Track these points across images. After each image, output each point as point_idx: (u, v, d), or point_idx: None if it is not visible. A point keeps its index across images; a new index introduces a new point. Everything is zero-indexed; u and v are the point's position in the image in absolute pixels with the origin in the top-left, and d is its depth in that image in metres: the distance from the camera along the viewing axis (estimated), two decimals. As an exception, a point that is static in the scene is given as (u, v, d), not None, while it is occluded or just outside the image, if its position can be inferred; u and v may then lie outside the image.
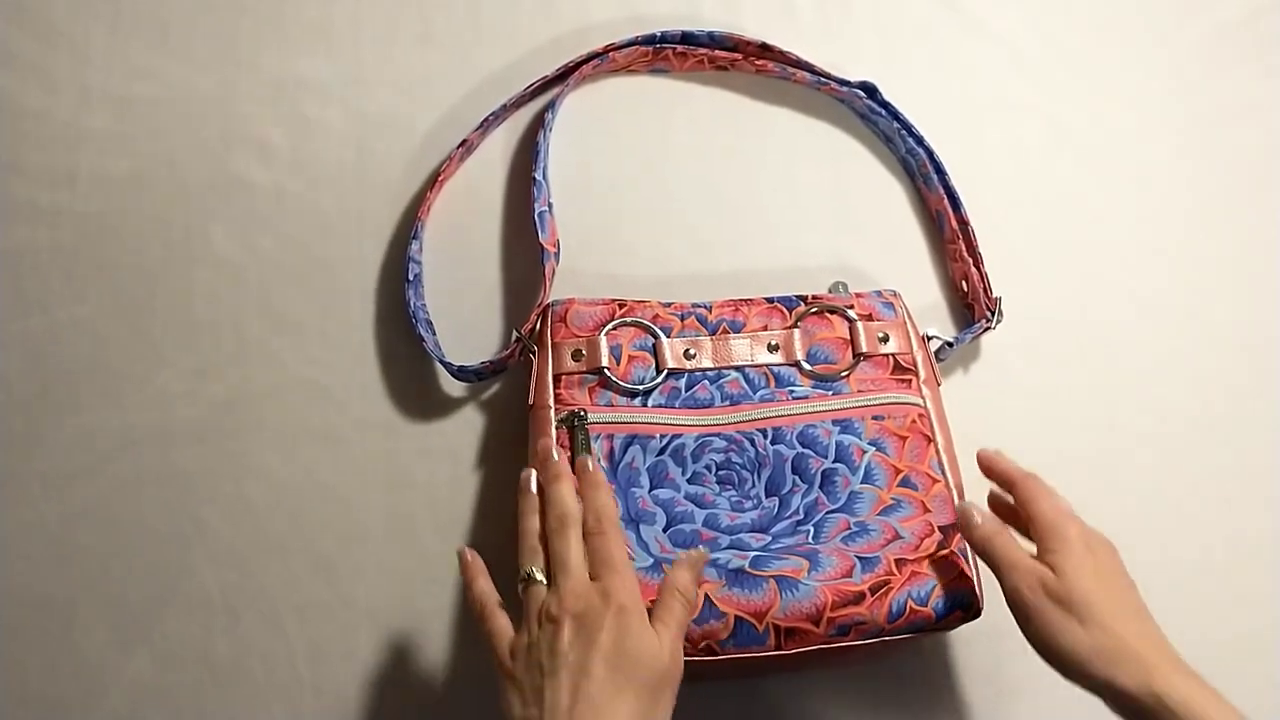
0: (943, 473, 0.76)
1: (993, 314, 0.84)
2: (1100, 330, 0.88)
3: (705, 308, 0.80)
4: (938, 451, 0.77)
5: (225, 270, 0.85)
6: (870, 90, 0.89)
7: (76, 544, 0.80)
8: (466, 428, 0.83)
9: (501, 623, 0.65)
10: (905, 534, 0.72)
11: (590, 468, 0.70)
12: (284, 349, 0.83)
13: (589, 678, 0.59)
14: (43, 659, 0.78)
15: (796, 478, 0.75)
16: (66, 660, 0.78)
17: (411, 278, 0.82)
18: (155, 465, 0.81)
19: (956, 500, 0.74)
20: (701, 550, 0.68)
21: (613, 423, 0.76)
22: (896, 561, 0.70)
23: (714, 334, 0.79)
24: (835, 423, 0.76)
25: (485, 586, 0.67)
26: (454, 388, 0.83)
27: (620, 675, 0.60)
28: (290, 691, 0.78)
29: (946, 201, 0.87)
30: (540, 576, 0.65)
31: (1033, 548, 0.68)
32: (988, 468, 0.74)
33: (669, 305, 0.79)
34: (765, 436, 0.76)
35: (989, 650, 0.80)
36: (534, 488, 0.70)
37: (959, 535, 0.73)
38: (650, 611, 0.63)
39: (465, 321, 0.84)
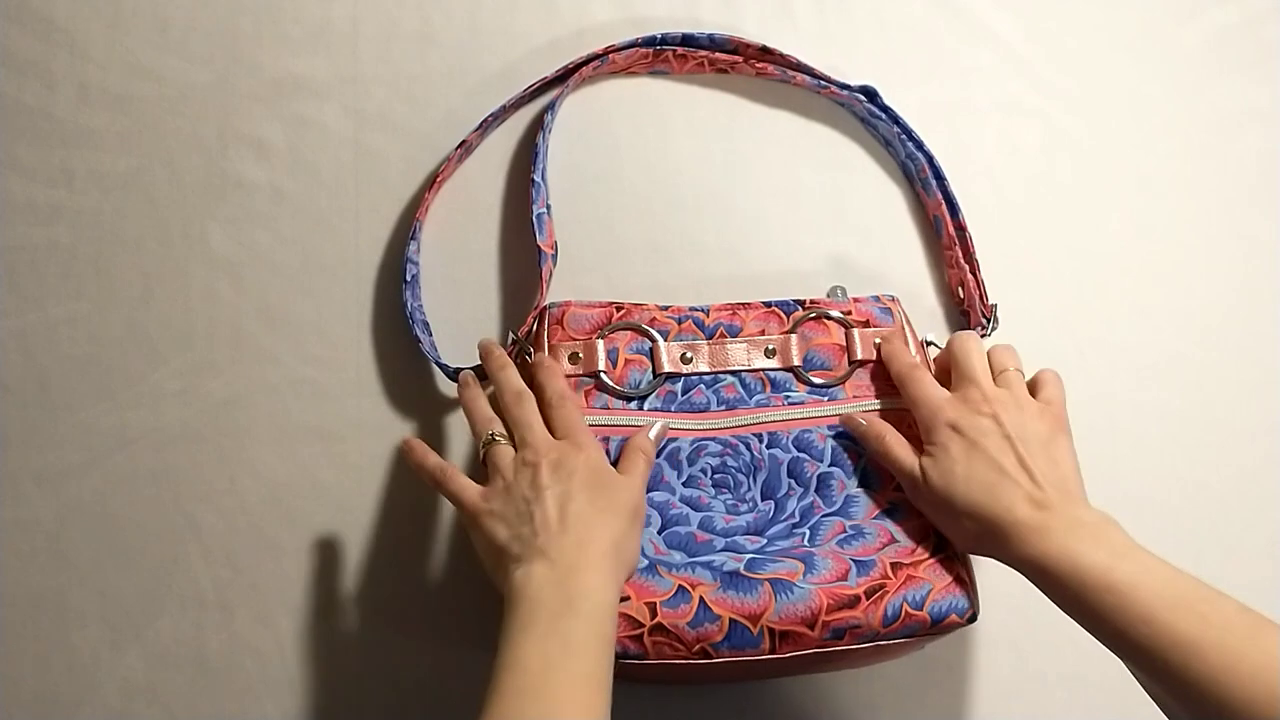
0: (939, 478, 0.76)
1: (989, 320, 0.84)
2: (1097, 337, 0.88)
3: (703, 311, 0.80)
4: (934, 456, 0.77)
5: (222, 269, 0.84)
6: (870, 94, 0.89)
7: (71, 541, 0.80)
8: (462, 428, 0.83)
9: (464, 480, 0.69)
10: (901, 538, 0.72)
11: (544, 363, 0.75)
12: (280, 348, 0.83)
13: (573, 499, 0.66)
14: (36, 655, 0.78)
15: (792, 481, 0.75)
16: (60, 657, 0.78)
17: (409, 278, 0.82)
18: (150, 463, 0.81)
19: (849, 414, 0.77)
20: (661, 424, 0.75)
21: (609, 425, 0.75)
22: (892, 565, 0.71)
23: (711, 338, 0.79)
24: (831, 427, 0.76)
25: (436, 459, 0.71)
26: (450, 388, 0.83)
27: (600, 500, 0.67)
28: (282, 689, 0.79)
29: (944, 207, 0.87)
30: (502, 438, 0.70)
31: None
32: (881, 351, 0.78)
33: (666, 308, 0.79)
34: (761, 441, 0.76)
35: (984, 653, 0.81)
36: (472, 382, 0.75)
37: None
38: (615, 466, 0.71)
39: (462, 322, 0.84)
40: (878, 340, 0.79)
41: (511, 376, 0.73)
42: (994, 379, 0.74)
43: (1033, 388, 0.75)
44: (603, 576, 0.63)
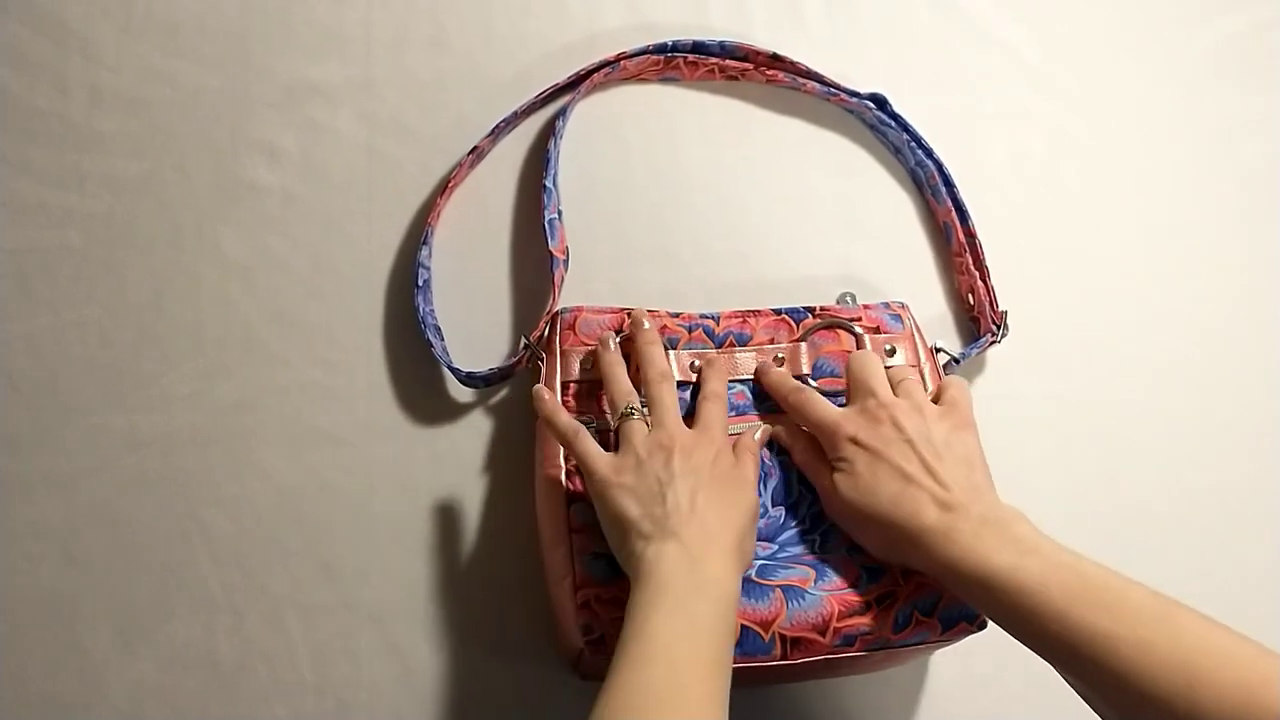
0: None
1: (999, 327, 0.84)
2: (1106, 343, 0.88)
3: (713, 319, 0.80)
4: (943, 464, 0.77)
5: (233, 273, 0.85)
6: (880, 102, 0.89)
7: (81, 543, 0.80)
8: (473, 433, 0.83)
9: (595, 446, 0.70)
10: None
11: (715, 361, 0.77)
12: (291, 352, 0.84)
13: (703, 489, 0.66)
14: (47, 658, 0.78)
15: (802, 488, 0.75)
16: (70, 659, 0.78)
17: (421, 283, 0.82)
18: (161, 466, 0.81)
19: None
20: (767, 428, 0.76)
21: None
22: (902, 572, 0.71)
23: (720, 347, 0.79)
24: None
25: (569, 418, 0.72)
26: (461, 393, 0.83)
27: (728, 496, 0.67)
28: (293, 693, 0.78)
29: (954, 214, 0.87)
30: (638, 413, 0.71)
31: None
32: (760, 381, 0.78)
33: (677, 316, 0.79)
34: (771, 448, 0.76)
35: (992, 660, 0.81)
36: (614, 347, 0.75)
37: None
38: None
39: (474, 327, 0.84)
40: (888, 347, 0.79)
41: (659, 355, 0.74)
42: (893, 390, 0.73)
43: (936, 397, 0.75)
44: (729, 567, 0.64)
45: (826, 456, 0.72)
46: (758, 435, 0.75)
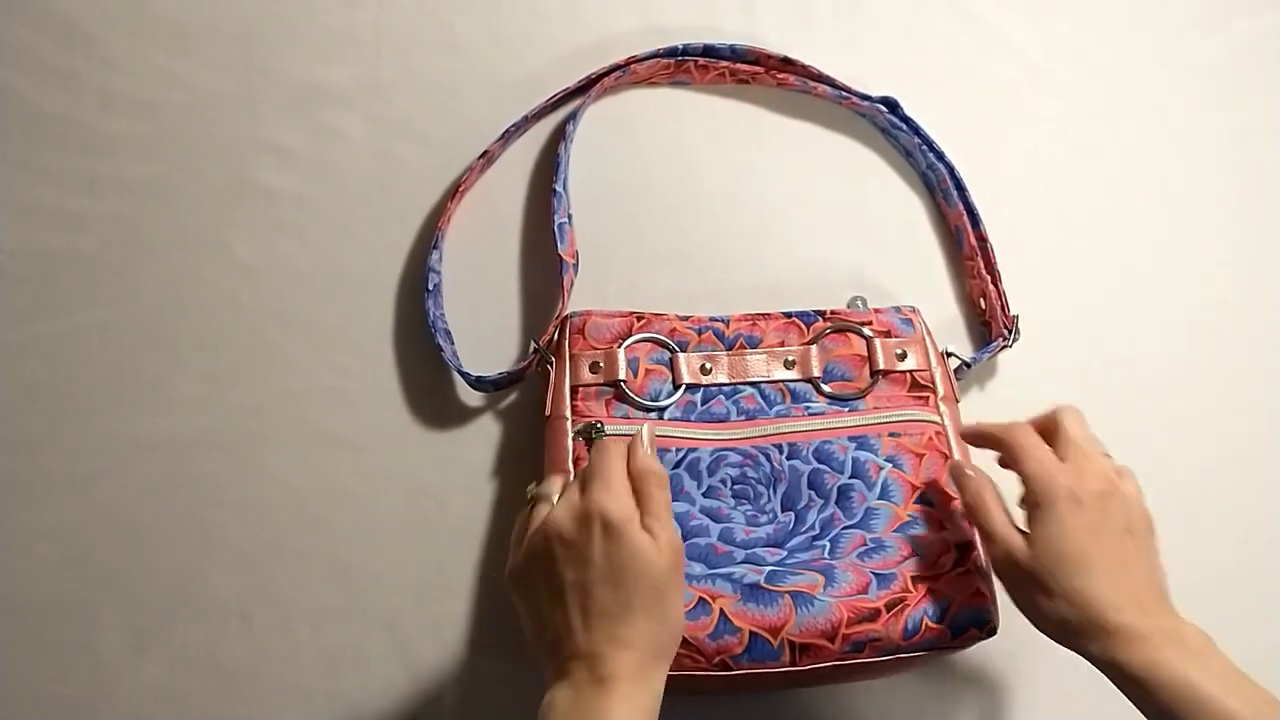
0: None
1: (1010, 332, 0.84)
2: (1119, 348, 0.88)
3: (723, 322, 0.79)
4: (954, 469, 0.77)
5: (244, 276, 0.85)
6: (892, 105, 0.89)
7: (93, 547, 0.80)
8: (483, 437, 0.83)
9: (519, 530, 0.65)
10: (921, 551, 0.72)
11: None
12: (301, 356, 0.84)
13: (591, 600, 0.60)
14: (58, 661, 0.78)
15: (812, 493, 0.75)
16: (81, 663, 0.78)
17: (431, 287, 0.82)
18: (172, 470, 0.81)
19: (956, 462, 0.74)
20: (647, 424, 0.68)
21: (629, 435, 0.75)
22: (913, 579, 0.70)
23: (731, 349, 0.79)
24: (851, 439, 0.76)
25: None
26: (471, 397, 0.83)
27: (621, 591, 0.60)
28: (302, 697, 0.78)
29: (966, 217, 0.87)
30: (544, 498, 0.65)
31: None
32: (973, 442, 0.74)
33: (687, 319, 0.79)
34: (781, 452, 0.76)
35: (1005, 666, 0.80)
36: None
37: (976, 553, 0.73)
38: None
39: (484, 331, 0.84)
40: (899, 351, 0.79)
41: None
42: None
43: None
44: (631, 686, 0.58)
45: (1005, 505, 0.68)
46: (645, 441, 0.65)
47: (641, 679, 0.59)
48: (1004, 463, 0.71)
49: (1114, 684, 0.62)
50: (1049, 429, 0.70)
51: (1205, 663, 0.60)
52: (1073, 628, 0.63)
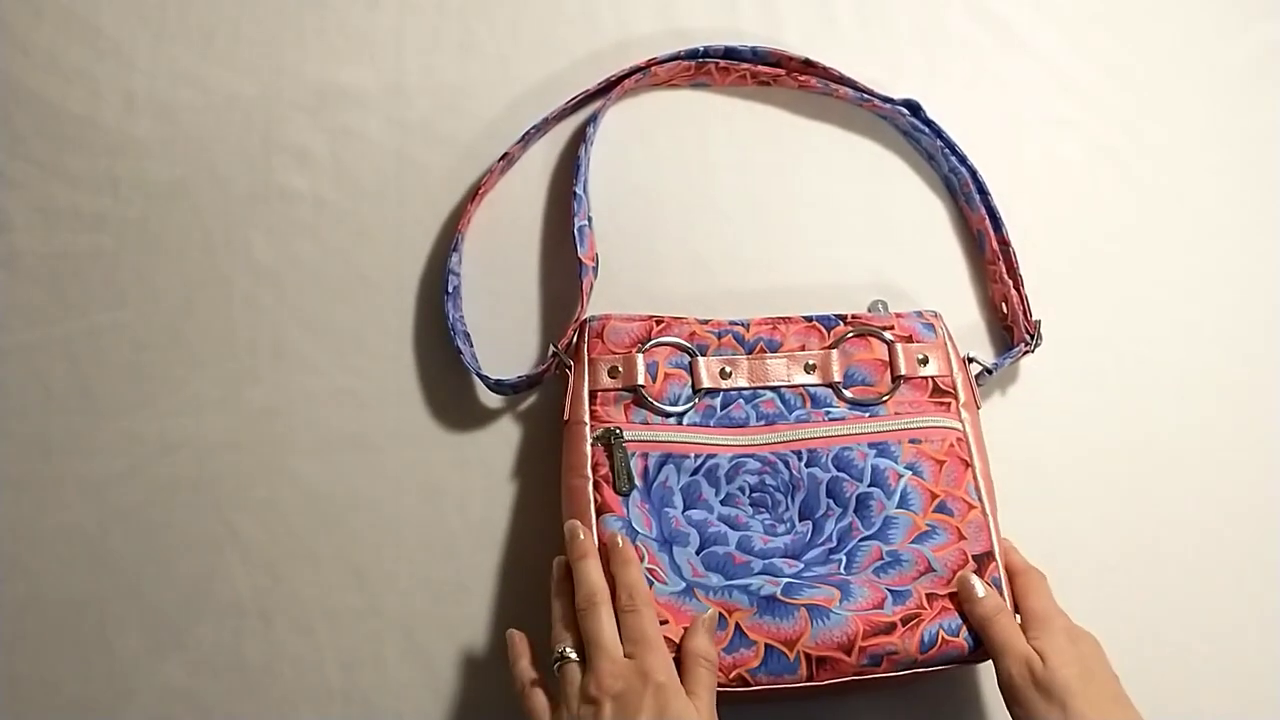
0: (979, 498, 0.75)
1: (1033, 337, 0.83)
2: (1141, 354, 0.87)
3: (743, 325, 0.79)
4: (975, 477, 0.76)
5: (264, 278, 0.85)
6: (913, 108, 0.88)
7: (111, 547, 0.80)
8: (501, 440, 0.83)
9: (540, 702, 0.66)
10: (938, 566, 0.72)
11: (619, 544, 0.71)
12: (321, 358, 0.84)
13: None
14: (76, 661, 0.79)
15: (830, 501, 0.74)
16: (100, 663, 0.79)
17: (450, 290, 0.82)
18: (191, 471, 0.82)
19: (966, 574, 0.72)
20: (712, 612, 0.69)
21: (648, 441, 0.75)
22: (928, 595, 0.70)
23: (751, 353, 0.78)
24: (871, 445, 0.76)
25: (526, 667, 0.69)
26: (490, 400, 0.83)
27: None
28: (319, 698, 0.79)
29: (988, 221, 0.86)
30: (573, 655, 0.66)
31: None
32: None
33: (706, 322, 0.79)
34: (800, 459, 0.75)
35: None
36: (557, 575, 0.71)
37: (994, 564, 0.72)
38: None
39: (503, 334, 0.84)
40: (920, 356, 0.78)
41: (586, 572, 0.69)
42: None
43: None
44: None
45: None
46: (705, 623, 0.68)
47: None
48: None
49: None
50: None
51: None
52: None
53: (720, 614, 0.69)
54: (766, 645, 0.68)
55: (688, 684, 0.65)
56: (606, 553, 0.71)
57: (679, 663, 0.66)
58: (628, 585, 0.68)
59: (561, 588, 0.70)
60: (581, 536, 0.71)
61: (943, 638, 0.69)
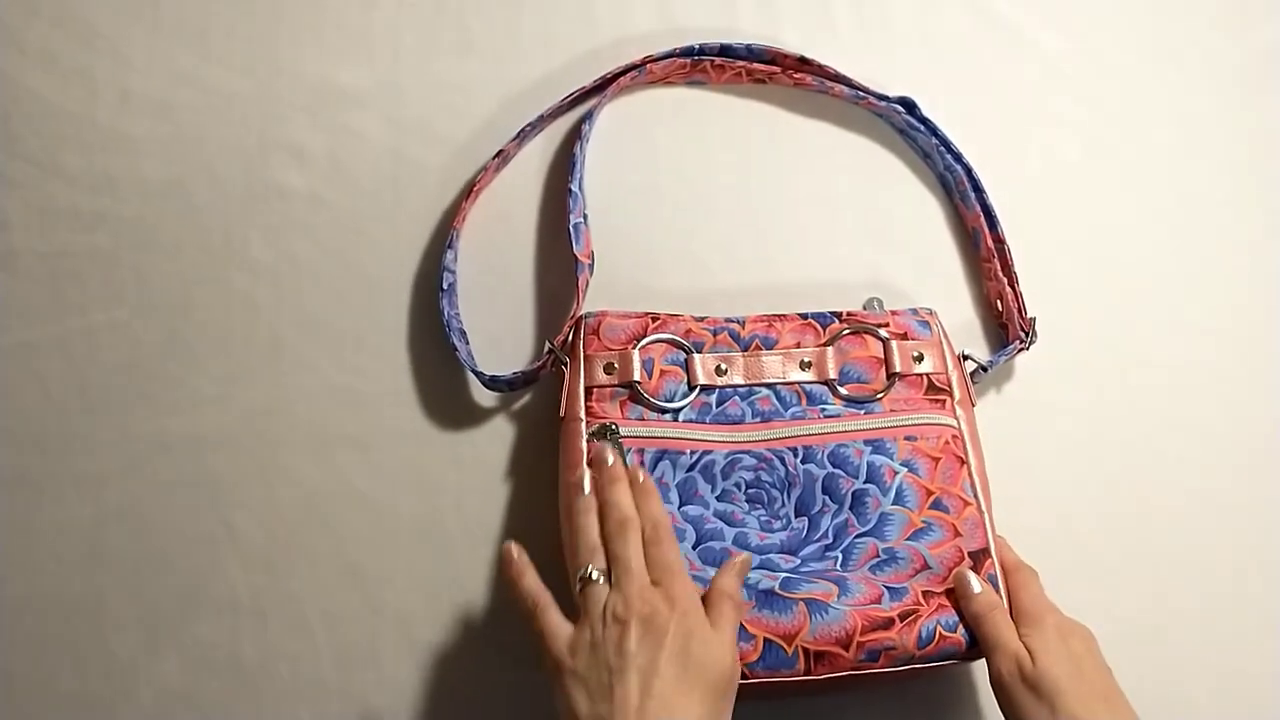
0: (974, 495, 0.75)
1: (1027, 334, 0.83)
2: (1138, 352, 0.87)
3: (738, 323, 0.79)
4: (970, 474, 0.76)
5: (261, 276, 0.85)
6: (909, 105, 0.88)
7: (108, 545, 0.81)
8: (497, 437, 0.83)
9: (555, 619, 0.66)
10: (934, 563, 0.72)
11: (642, 478, 0.71)
12: (318, 356, 0.84)
13: (659, 676, 0.61)
14: (73, 659, 0.79)
15: (826, 498, 0.75)
16: (96, 660, 0.79)
17: (446, 287, 0.83)
18: (187, 469, 0.82)
19: (963, 569, 0.72)
20: (746, 555, 0.70)
21: (643, 437, 0.75)
22: (924, 593, 0.70)
23: (746, 350, 0.78)
24: (867, 442, 0.76)
25: (533, 583, 0.68)
26: (486, 397, 0.83)
27: (689, 675, 0.61)
28: (316, 696, 0.79)
29: (983, 219, 0.87)
30: (600, 577, 0.66)
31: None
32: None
33: (702, 320, 0.79)
34: (796, 455, 0.75)
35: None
36: (588, 488, 0.71)
37: (990, 561, 0.72)
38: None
39: (498, 331, 0.84)
40: (915, 353, 0.78)
41: (620, 497, 0.69)
42: None
43: None
44: None
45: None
46: (737, 568, 0.69)
47: None
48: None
49: None
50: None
51: None
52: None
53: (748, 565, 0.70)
54: (765, 639, 0.68)
55: (712, 618, 0.65)
56: (631, 484, 0.71)
57: (705, 599, 0.66)
58: (652, 517, 0.69)
59: (587, 505, 0.70)
60: (611, 460, 0.72)
61: (940, 634, 0.69)
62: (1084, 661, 0.67)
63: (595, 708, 0.61)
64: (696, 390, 0.77)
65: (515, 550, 0.69)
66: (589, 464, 0.73)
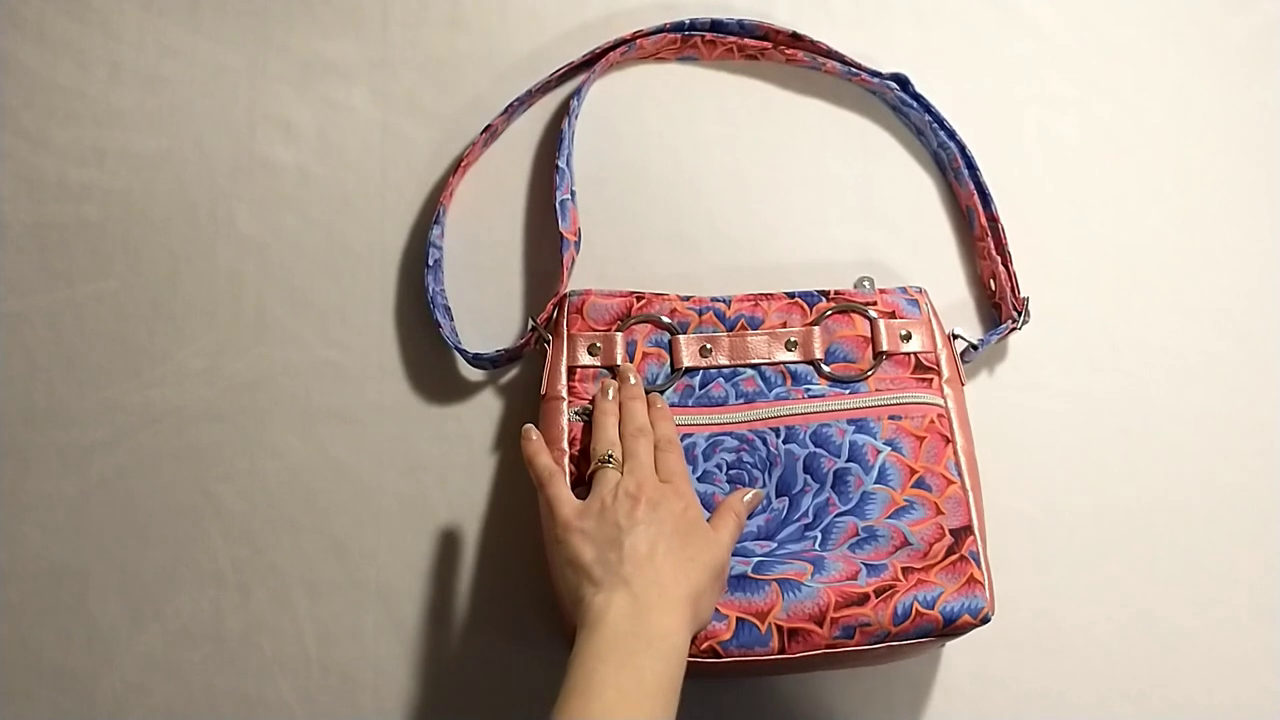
0: (959, 474, 0.74)
1: (1020, 314, 0.82)
2: (1131, 333, 0.86)
3: (724, 302, 0.79)
4: (956, 453, 0.75)
5: (248, 250, 0.85)
6: (902, 82, 0.87)
7: (93, 516, 0.81)
8: (482, 413, 0.83)
9: (566, 490, 0.70)
10: (914, 540, 0.71)
11: (660, 404, 0.75)
12: (303, 330, 0.84)
13: (664, 540, 0.65)
14: (56, 629, 0.79)
15: (808, 477, 0.74)
16: (79, 631, 0.79)
17: (431, 263, 0.82)
18: (173, 441, 0.82)
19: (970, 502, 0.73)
20: (759, 490, 0.73)
21: None
22: (903, 569, 0.70)
23: (731, 330, 0.78)
24: (850, 422, 0.75)
25: (548, 460, 0.72)
26: (471, 373, 0.83)
27: (690, 552, 0.66)
28: (298, 669, 0.79)
29: (977, 197, 0.86)
30: (614, 463, 0.70)
31: None
32: None
33: (688, 299, 0.79)
34: (778, 435, 0.75)
35: (1006, 656, 0.79)
36: (612, 397, 0.75)
37: (971, 539, 0.72)
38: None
39: (484, 308, 0.84)
40: (903, 332, 0.78)
41: (638, 410, 0.74)
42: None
43: None
44: (680, 620, 0.62)
45: None
46: (747, 498, 0.72)
47: (685, 624, 0.63)
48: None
49: None
50: None
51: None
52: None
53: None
54: (738, 618, 0.67)
55: (714, 524, 0.69)
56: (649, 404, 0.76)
57: (713, 511, 0.71)
58: (665, 433, 0.73)
59: (609, 409, 0.74)
60: (634, 380, 0.76)
61: (917, 610, 0.68)
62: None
63: (602, 554, 0.65)
64: (679, 373, 0.77)
65: (535, 432, 0.73)
66: (614, 375, 0.77)
